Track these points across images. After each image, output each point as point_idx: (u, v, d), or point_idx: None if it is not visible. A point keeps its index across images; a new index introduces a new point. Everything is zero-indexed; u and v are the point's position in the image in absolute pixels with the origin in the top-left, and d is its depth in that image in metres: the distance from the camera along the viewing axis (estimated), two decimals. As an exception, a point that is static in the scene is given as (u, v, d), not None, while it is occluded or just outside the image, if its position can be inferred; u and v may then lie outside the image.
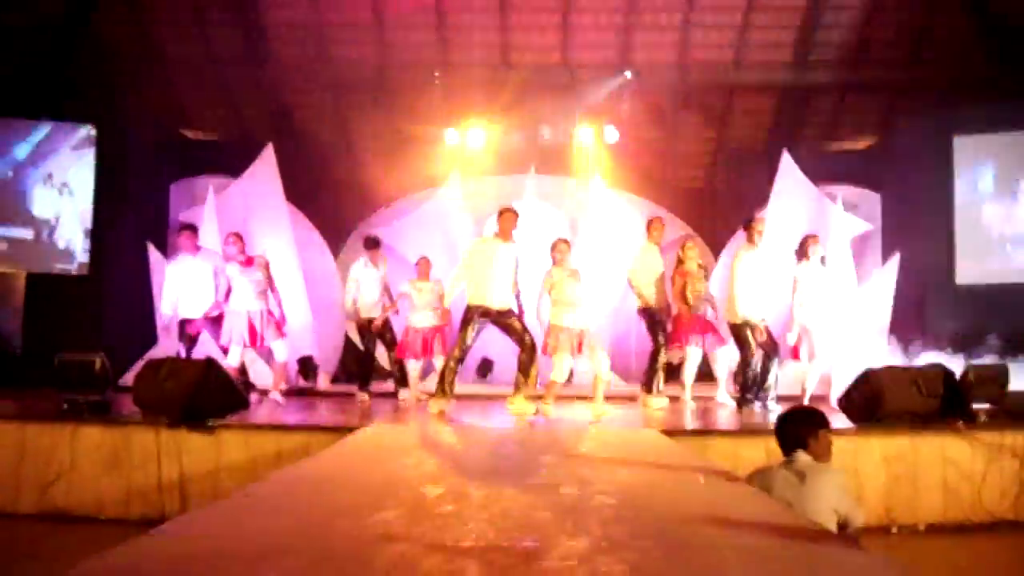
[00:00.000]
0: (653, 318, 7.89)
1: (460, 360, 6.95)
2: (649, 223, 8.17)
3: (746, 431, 6.01)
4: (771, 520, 2.91)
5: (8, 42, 9.77)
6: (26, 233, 10.18)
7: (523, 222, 7.19)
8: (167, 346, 8.62)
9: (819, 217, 9.88)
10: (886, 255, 10.20)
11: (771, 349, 7.53)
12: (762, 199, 10.31)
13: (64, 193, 10.26)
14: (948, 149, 10.20)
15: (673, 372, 8.47)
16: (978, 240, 10.11)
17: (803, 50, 11.27)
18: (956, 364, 6.53)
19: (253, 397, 7.46)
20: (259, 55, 11.37)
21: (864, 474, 5.51)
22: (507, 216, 6.99)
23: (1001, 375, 6.19)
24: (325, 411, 7.60)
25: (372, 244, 8.60)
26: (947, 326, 9.21)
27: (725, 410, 7.65)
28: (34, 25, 10.14)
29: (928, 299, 9.69)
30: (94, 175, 10.28)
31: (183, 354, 7.79)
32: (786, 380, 7.89)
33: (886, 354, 8.77)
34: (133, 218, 10.08)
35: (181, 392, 5.71)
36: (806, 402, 7.37)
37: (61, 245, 10.25)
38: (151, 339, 9.36)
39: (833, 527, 3.31)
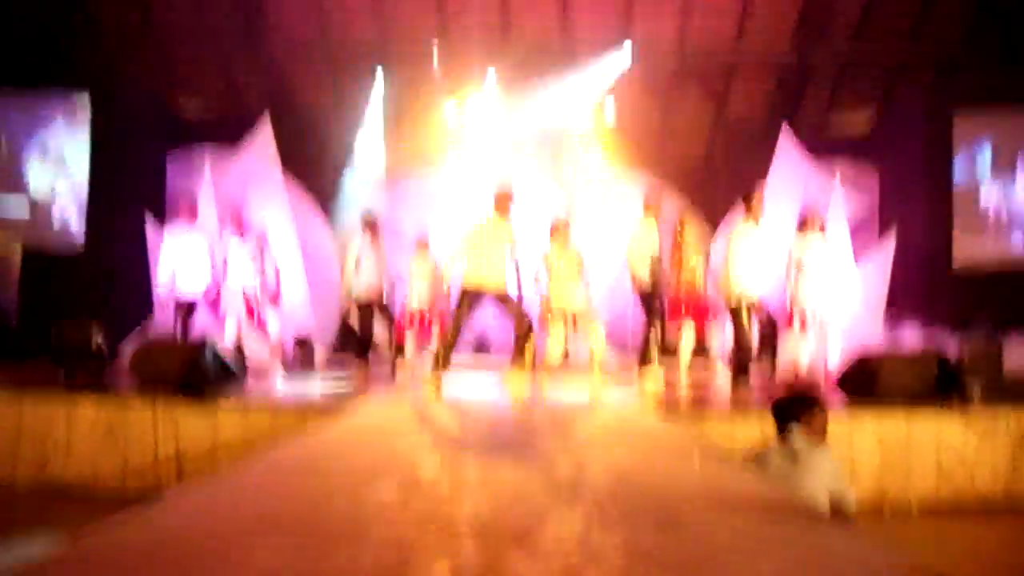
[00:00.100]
0: (646, 294, 7.88)
1: (456, 338, 6.94)
2: (647, 199, 8.14)
3: (741, 410, 6.02)
4: (765, 499, 2.92)
5: (3, 14, 9.68)
6: (21, 206, 10.13)
7: (521, 199, 7.16)
8: (164, 318, 8.62)
9: (817, 193, 9.86)
10: (883, 232, 10.20)
11: (769, 327, 7.54)
12: (761, 175, 10.29)
13: (59, 166, 10.21)
14: (947, 126, 10.17)
15: (668, 350, 8.49)
16: (975, 218, 10.10)
17: (803, 26, 11.19)
18: (951, 344, 6.54)
19: (248, 373, 7.47)
20: (256, 27, 11.28)
21: (858, 454, 5.53)
22: (503, 195, 6.97)
23: (996, 355, 6.20)
24: (321, 388, 7.61)
25: (369, 219, 8.58)
26: (943, 305, 9.22)
27: (720, 388, 7.66)
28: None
29: (924, 277, 9.69)
30: (89, 148, 10.22)
31: (179, 330, 7.79)
32: (782, 357, 7.90)
33: (882, 333, 8.79)
34: (129, 191, 10.04)
35: (178, 367, 5.72)
36: (800, 376, 7.43)
37: (56, 218, 10.20)
38: (148, 311, 9.36)
39: (826, 506, 3.33)
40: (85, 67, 10.37)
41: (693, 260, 7.86)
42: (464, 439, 4.65)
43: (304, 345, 9.76)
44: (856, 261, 9.46)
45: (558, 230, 7.07)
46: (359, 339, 8.70)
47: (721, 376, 7.96)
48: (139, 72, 11.14)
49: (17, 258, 9.93)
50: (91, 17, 10.64)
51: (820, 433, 3.67)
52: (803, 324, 7.57)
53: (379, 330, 8.84)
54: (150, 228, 9.85)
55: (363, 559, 2.10)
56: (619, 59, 11.29)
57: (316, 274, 10.44)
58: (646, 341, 7.93)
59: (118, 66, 10.79)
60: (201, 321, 8.08)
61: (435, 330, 8.24)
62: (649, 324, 7.89)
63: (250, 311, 7.61)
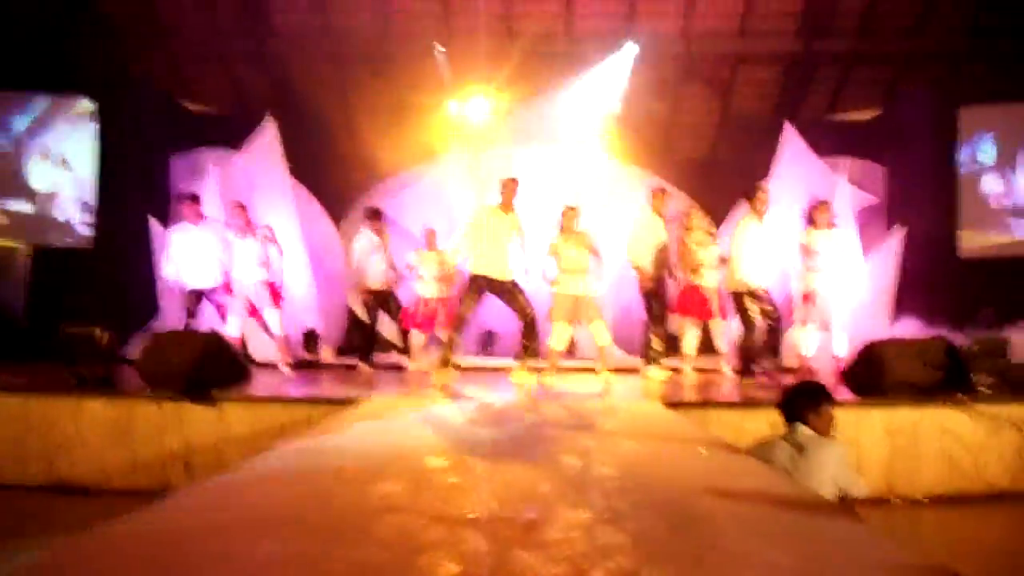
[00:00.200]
0: (647, 289, 7.88)
1: (460, 329, 6.97)
2: (653, 194, 8.13)
3: (748, 402, 6.02)
4: (772, 491, 2.92)
5: (6, 14, 9.69)
6: (26, 206, 10.15)
7: (526, 193, 7.17)
8: (170, 317, 8.63)
9: (823, 189, 9.84)
10: (890, 227, 10.18)
11: (775, 319, 7.53)
12: (766, 170, 10.26)
13: (63, 166, 10.23)
14: (953, 120, 10.13)
15: (674, 344, 8.49)
16: (980, 212, 10.06)
17: (808, 20, 11.15)
18: (958, 336, 6.53)
19: (255, 369, 7.48)
20: (260, 26, 11.28)
21: (866, 446, 5.53)
22: (509, 185, 6.98)
23: (1003, 347, 6.19)
24: (328, 383, 7.62)
25: (374, 215, 8.59)
26: (950, 298, 9.19)
27: (727, 381, 7.66)
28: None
29: (931, 271, 9.66)
30: (95, 148, 10.23)
31: (185, 325, 7.79)
32: (789, 349, 7.90)
33: (888, 326, 8.77)
34: (135, 191, 10.05)
35: (185, 365, 5.73)
36: (807, 369, 7.43)
37: (60, 218, 10.23)
38: (154, 311, 9.39)
39: (832, 499, 3.32)
40: (90, 68, 10.37)
41: (700, 254, 7.83)
42: (471, 434, 4.66)
43: (311, 340, 9.78)
44: (863, 255, 9.45)
45: (567, 217, 7.09)
46: (366, 333, 8.71)
47: (727, 370, 7.94)
48: (144, 72, 11.15)
49: (25, 258, 9.96)
50: (96, 18, 10.65)
51: (827, 426, 3.67)
52: (811, 314, 7.57)
53: (387, 324, 8.84)
54: (156, 228, 9.88)
55: (371, 555, 2.11)
56: (623, 59, 11.26)
57: (322, 270, 10.46)
58: (649, 336, 7.93)
59: (123, 66, 10.79)
60: (208, 317, 8.08)
61: (442, 320, 8.22)
62: (650, 319, 7.89)
63: (255, 307, 7.61)
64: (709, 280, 7.76)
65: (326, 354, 9.88)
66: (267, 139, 10.23)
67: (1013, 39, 10.16)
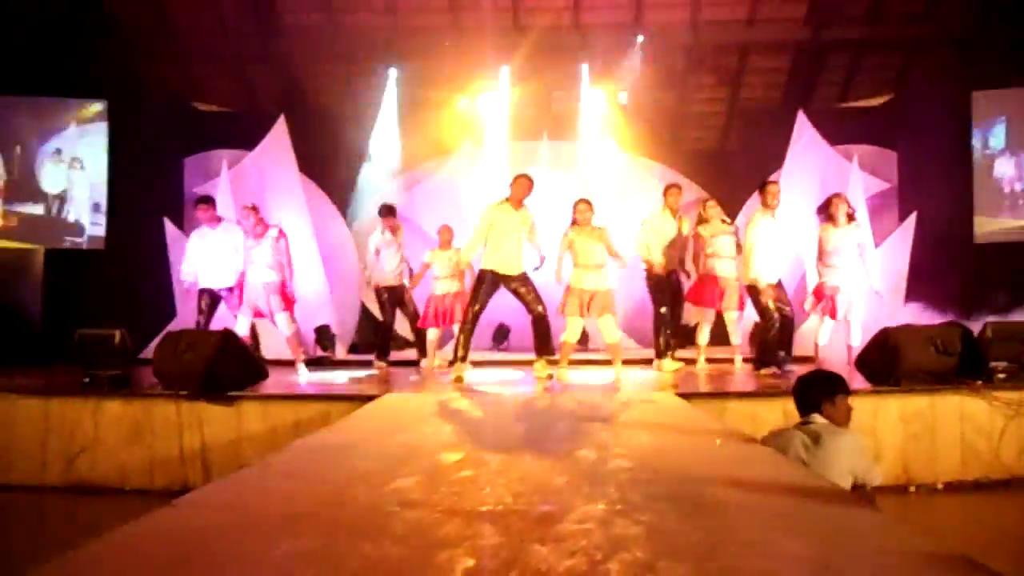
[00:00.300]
0: (654, 283, 7.88)
1: (472, 324, 6.97)
2: (666, 189, 8.11)
3: (763, 393, 6.01)
4: (787, 481, 2.92)
5: (17, 17, 9.74)
6: (37, 209, 10.21)
7: (537, 188, 7.17)
8: (186, 319, 8.68)
9: (835, 177, 9.81)
10: (903, 214, 10.13)
11: (788, 311, 7.51)
12: (777, 160, 10.23)
13: (74, 168, 10.28)
14: (966, 105, 10.05)
15: (688, 335, 8.48)
16: (993, 196, 9.99)
17: (817, 7, 11.09)
18: (974, 322, 6.49)
19: (270, 367, 7.50)
20: (269, 25, 11.31)
21: (882, 433, 5.51)
22: (520, 182, 6.96)
23: (1020, 332, 6.14)
24: (343, 380, 7.65)
25: (387, 211, 8.61)
26: (965, 284, 9.14)
27: (741, 372, 7.64)
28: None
29: (945, 257, 9.60)
30: (107, 150, 10.29)
31: (201, 325, 7.82)
32: (803, 339, 7.88)
33: (903, 313, 8.73)
34: (148, 193, 10.11)
35: (200, 363, 5.76)
36: (823, 359, 7.42)
37: (72, 220, 10.28)
38: (170, 313, 9.45)
39: (848, 488, 3.31)
40: (100, 70, 10.42)
41: (716, 244, 7.78)
42: (485, 428, 4.68)
43: (325, 336, 9.82)
44: (876, 243, 9.40)
45: (579, 211, 7.08)
46: (382, 331, 8.74)
47: (739, 360, 7.93)
48: (155, 73, 11.20)
49: (39, 262, 10.03)
50: (105, 20, 10.69)
51: (843, 416, 3.65)
52: (831, 311, 7.55)
53: (401, 321, 8.87)
54: (170, 230, 9.94)
55: (387, 550, 2.12)
56: (632, 51, 11.25)
57: (335, 268, 10.51)
58: (658, 328, 7.93)
59: (133, 68, 10.84)
60: (222, 316, 8.12)
61: (458, 316, 8.22)
62: (656, 311, 7.89)
63: (265, 308, 7.63)
64: (724, 270, 7.73)
65: (340, 351, 9.92)
66: (279, 138, 10.28)
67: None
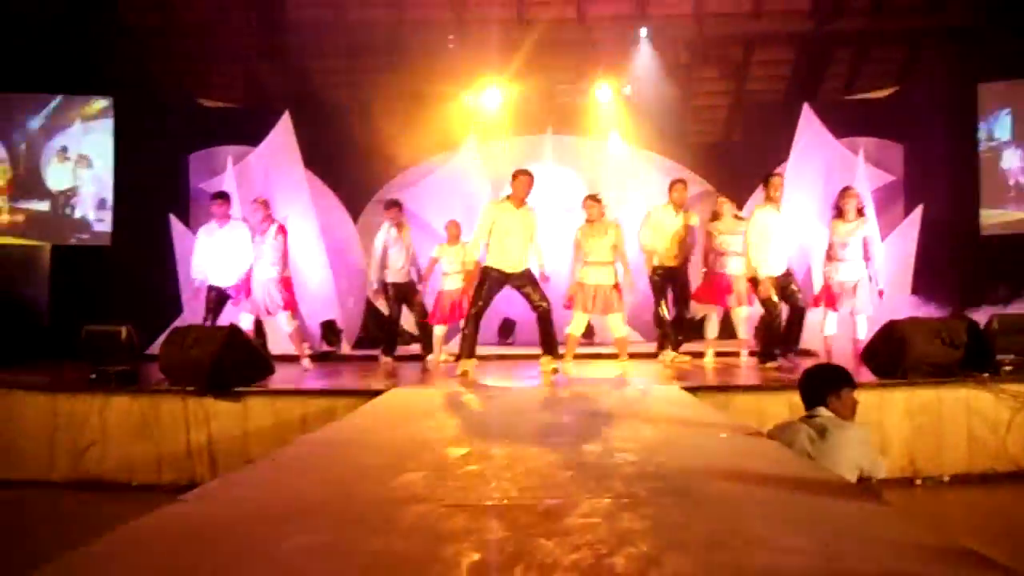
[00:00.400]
0: (656, 277, 7.89)
1: (476, 320, 6.97)
2: (671, 184, 8.10)
3: (769, 386, 6.00)
4: (792, 474, 2.93)
5: (22, 14, 9.75)
6: (43, 205, 10.23)
7: (542, 183, 7.16)
8: (192, 315, 8.69)
9: (841, 170, 9.78)
10: (909, 207, 10.09)
11: (800, 301, 7.51)
12: (782, 153, 10.20)
13: (79, 165, 10.29)
14: (972, 97, 10.00)
15: (696, 328, 8.47)
16: (999, 188, 9.95)
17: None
18: (980, 314, 6.47)
19: (276, 363, 7.52)
20: (275, 21, 11.30)
21: (888, 426, 5.51)
22: (521, 179, 6.95)
23: (1024, 323, 6.13)
24: (349, 375, 7.67)
25: (393, 206, 8.62)
26: (971, 276, 9.11)
27: (746, 366, 7.64)
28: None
29: (951, 249, 9.57)
30: (113, 147, 10.30)
31: (209, 322, 7.83)
32: (810, 331, 7.86)
33: (909, 306, 8.71)
34: (154, 189, 10.11)
35: (207, 359, 5.78)
36: (829, 352, 7.41)
37: (78, 216, 10.30)
38: (176, 309, 9.46)
39: (854, 481, 3.31)
40: (105, 66, 10.41)
41: (727, 242, 7.78)
42: (491, 422, 4.69)
43: (330, 331, 9.83)
44: (883, 235, 9.38)
45: (587, 207, 7.09)
46: (388, 326, 8.75)
47: (745, 354, 7.92)
48: (160, 69, 11.20)
49: (46, 258, 10.04)
50: (111, 16, 10.69)
51: (849, 410, 3.65)
52: (829, 301, 7.56)
53: (408, 316, 8.86)
54: (176, 226, 9.95)
55: (394, 544, 2.13)
56: (636, 45, 11.23)
57: (340, 264, 10.52)
58: (661, 322, 7.94)
59: (139, 64, 10.84)
60: (229, 312, 8.13)
61: (465, 312, 8.23)
62: (657, 304, 7.90)
63: (268, 304, 7.65)
64: (734, 268, 7.73)
65: (346, 346, 9.94)
66: (284, 134, 10.28)
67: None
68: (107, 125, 10.33)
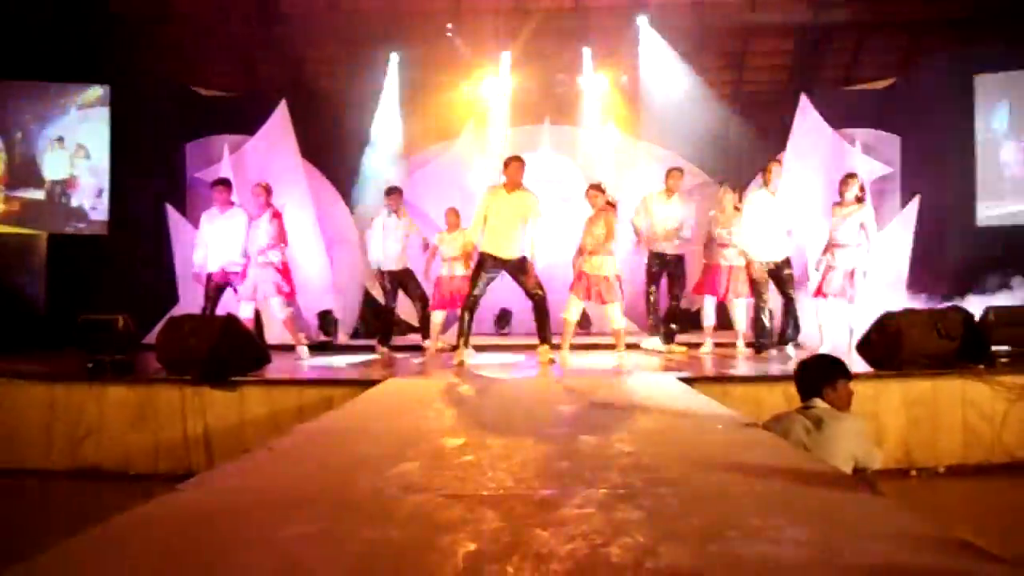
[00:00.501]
0: (655, 269, 7.91)
1: (472, 308, 6.98)
2: (668, 172, 8.10)
3: (766, 377, 6.02)
4: (788, 465, 2.93)
5: (17, 1, 9.70)
6: (38, 194, 10.19)
7: (539, 172, 7.16)
8: (189, 304, 8.68)
9: (838, 160, 9.78)
10: (905, 198, 10.10)
11: (786, 291, 7.52)
12: (780, 143, 10.20)
13: (76, 154, 10.25)
14: (969, 88, 9.98)
15: (693, 320, 8.49)
16: (996, 180, 9.94)
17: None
18: (976, 306, 6.48)
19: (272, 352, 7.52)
20: (271, 9, 11.25)
21: (884, 417, 5.52)
22: (513, 165, 6.95)
23: (1022, 316, 6.13)
24: (345, 365, 7.67)
25: (394, 192, 8.62)
26: (967, 268, 9.11)
27: (741, 356, 7.65)
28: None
29: (948, 241, 9.58)
30: (108, 136, 10.26)
31: (208, 311, 7.82)
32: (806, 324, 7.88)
33: (905, 297, 8.73)
34: (150, 178, 10.09)
35: (203, 349, 5.78)
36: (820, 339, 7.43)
37: (74, 205, 10.27)
38: (172, 298, 9.46)
39: (850, 472, 3.32)
40: (101, 55, 10.38)
41: (720, 228, 7.79)
42: (487, 412, 4.69)
43: (327, 320, 9.83)
44: (879, 226, 9.38)
45: (589, 196, 7.10)
46: (385, 315, 8.75)
47: (741, 344, 7.93)
48: (156, 58, 11.14)
49: (42, 247, 10.02)
50: (107, 5, 10.65)
51: (844, 401, 3.65)
52: (818, 289, 7.57)
53: (403, 305, 8.86)
54: (172, 215, 9.94)
55: (390, 534, 2.13)
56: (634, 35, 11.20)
57: (337, 253, 10.51)
58: (656, 310, 7.96)
59: (134, 53, 10.80)
60: (226, 300, 8.12)
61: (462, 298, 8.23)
62: (646, 293, 7.92)
63: (254, 289, 7.64)
64: (732, 258, 7.74)
65: (342, 334, 9.94)
66: (280, 123, 10.26)
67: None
68: (103, 114, 10.29)
